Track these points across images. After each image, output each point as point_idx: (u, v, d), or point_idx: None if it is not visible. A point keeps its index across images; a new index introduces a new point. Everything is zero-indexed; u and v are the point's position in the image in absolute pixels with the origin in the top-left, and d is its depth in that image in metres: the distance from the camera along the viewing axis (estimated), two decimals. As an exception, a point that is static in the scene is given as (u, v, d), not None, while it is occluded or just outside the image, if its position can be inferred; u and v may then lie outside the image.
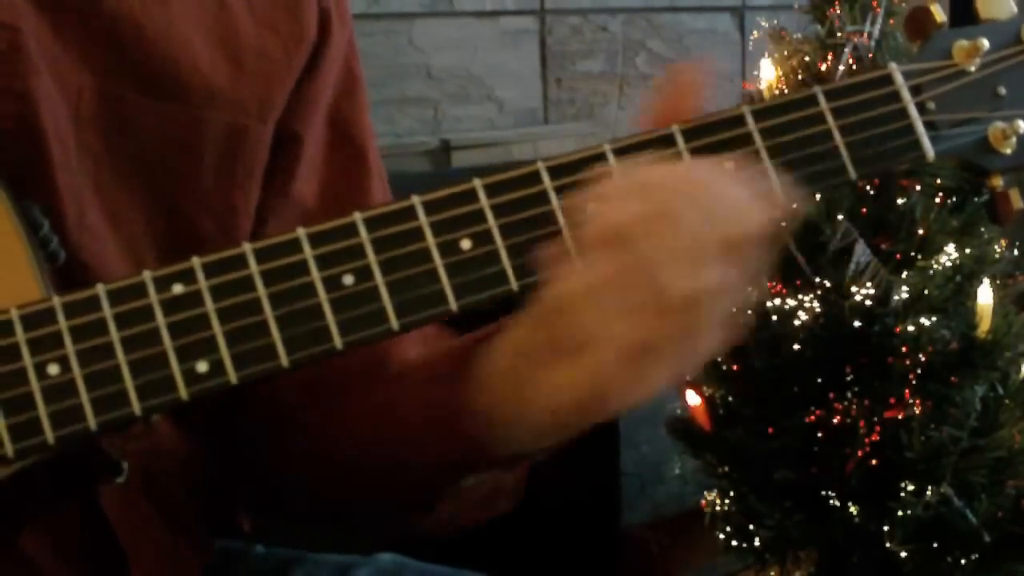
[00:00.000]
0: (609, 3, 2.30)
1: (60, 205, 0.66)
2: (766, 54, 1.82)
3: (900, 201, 1.71)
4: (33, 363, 0.54)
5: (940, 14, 0.67)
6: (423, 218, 0.59)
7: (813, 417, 1.74)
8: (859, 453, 1.70)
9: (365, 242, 0.57)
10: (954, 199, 1.73)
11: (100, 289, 0.56)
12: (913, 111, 0.64)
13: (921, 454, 1.66)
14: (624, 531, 2.28)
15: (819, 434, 1.74)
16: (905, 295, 1.67)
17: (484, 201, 0.59)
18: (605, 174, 0.59)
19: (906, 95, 0.64)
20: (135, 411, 0.55)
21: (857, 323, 1.68)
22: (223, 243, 0.58)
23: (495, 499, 0.76)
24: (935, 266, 1.70)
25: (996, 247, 1.77)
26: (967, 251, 1.73)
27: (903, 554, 1.67)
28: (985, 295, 1.71)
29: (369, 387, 0.75)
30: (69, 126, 0.67)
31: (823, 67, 1.73)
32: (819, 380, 1.74)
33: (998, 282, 1.76)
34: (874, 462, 1.70)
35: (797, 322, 1.73)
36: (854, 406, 1.71)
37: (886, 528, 1.68)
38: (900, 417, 1.68)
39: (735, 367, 1.81)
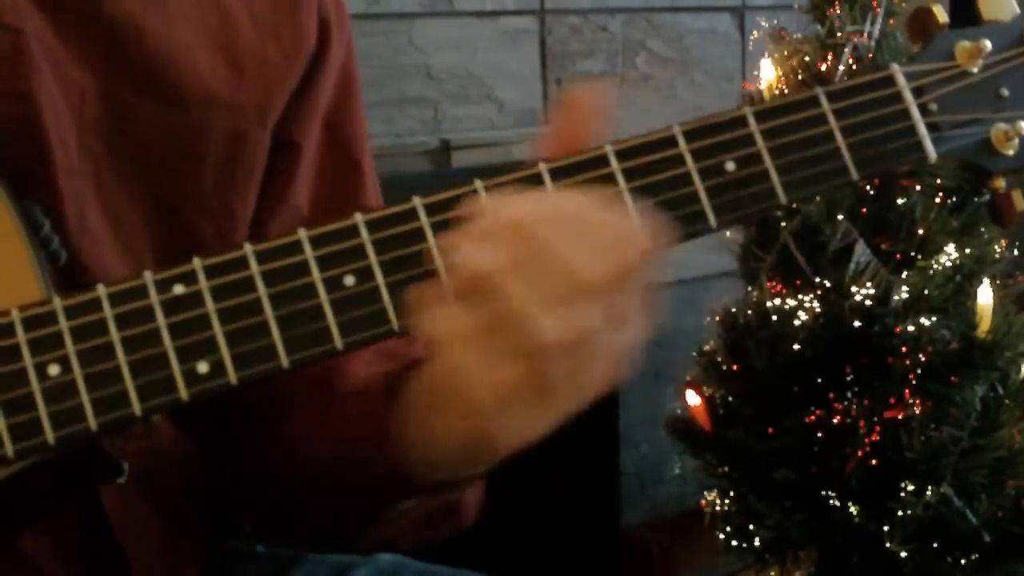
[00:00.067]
0: (609, 3, 2.30)
1: (61, 207, 0.66)
2: (766, 54, 1.82)
3: (900, 201, 1.71)
4: (34, 364, 0.54)
5: (942, 15, 0.67)
6: (424, 219, 0.59)
7: (813, 417, 1.74)
8: (859, 453, 1.70)
9: (366, 243, 0.57)
10: (954, 199, 1.73)
11: (101, 290, 0.56)
12: (915, 112, 0.64)
13: (921, 454, 1.66)
14: (624, 531, 2.28)
15: (819, 434, 1.74)
16: (905, 295, 1.67)
17: (483, 192, 0.59)
18: (476, 212, 0.57)
19: (908, 96, 0.64)
20: (135, 412, 0.55)
21: (857, 323, 1.68)
22: (221, 247, 0.58)
23: (440, 522, 0.76)
24: (935, 266, 1.70)
25: (996, 247, 1.77)
26: (967, 251, 1.73)
27: (903, 554, 1.67)
28: (985, 295, 1.71)
29: (314, 406, 0.76)
30: (71, 128, 0.67)
31: (823, 67, 1.73)
32: (819, 380, 1.74)
33: (998, 282, 1.76)
34: (874, 462, 1.70)
35: (797, 322, 1.73)
36: (854, 406, 1.71)
37: (886, 528, 1.68)
38: (900, 417, 1.68)
39: (735, 367, 1.81)
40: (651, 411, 2.34)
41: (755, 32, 1.92)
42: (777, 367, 1.76)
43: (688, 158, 0.61)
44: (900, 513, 1.67)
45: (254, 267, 0.57)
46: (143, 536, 0.73)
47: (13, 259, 0.59)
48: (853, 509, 1.71)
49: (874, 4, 1.71)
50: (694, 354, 1.90)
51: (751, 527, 1.80)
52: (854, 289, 1.67)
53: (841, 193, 1.68)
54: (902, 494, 1.67)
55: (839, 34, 1.71)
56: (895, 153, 0.63)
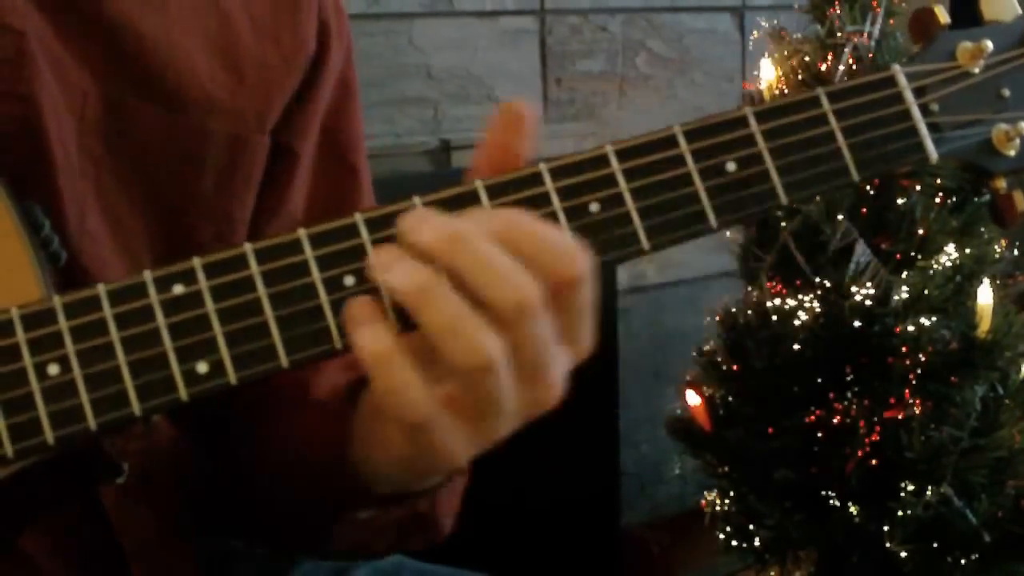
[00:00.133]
0: (609, 3, 2.30)
1: (61, 208, 0.66)
2: (766, 54, 1.82)
3: (900, 201, 1.71)
4: (33, 363, 0.54)
5: (944, 15, 0.67)
6: None
7: (813, 417, 1.74)
8: (859, 453, 1.70)
9: (366, 243, 0.57)
10: (954, 199, 1.73)
11: (100, 289, 0.55)
12: (916, 113, 0.64)
13: (921, 454, 1.66)
14: (624, 531, 2.28)
15: (819, 434, 1.74)
16: (905, 295, 1.67)
17: (486, 202, 0.58)
18: (409, 225, 0.56)
19: (909, 97, 0.64)
20: (135, 412, 0.55)
21: (857, 323, 1.68)
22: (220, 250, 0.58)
23: (413, 533, 0.76)
24: (935, 266, 1.70)
25: (996, 247, 1.77)
26: (967, 251, 1.73)
27: (903, 554, 1.68)
28: (985, 295, 1.71)
29: (284, 410, 0.76)
30: (72, 131, 0.67)
31: (823, 67, 1.73)
32: (819, 380, 1.74)
33: (998, 282, 1.76)
34: (874, 462, 1.70)
35: (797, 322, 1.73)
36: (854, 406, 1.71)
37: (886, 528, 1.68)
38: (900, 417, 1.68)
39: (735, 367, 1.81)
40: (651, 411, 2.34)
41: (755, 32, 1.92)
42: (777, 367, 1.76)
43: (688, 158, 0.61)
44: (900, 513, 1.67)
45: (253, 266, 0.56)
46: (143, 536, 0.73)
47: (13, 259, 0.59)
48: (853, 509, 1.71)
49: (874, 4, 1.71)
50: (694, 354, 1.90)
51: (751, 527, 1.80)
52: (854, 289, 1.67)
53: (841, 193, 1.68)
54: (902, 494, 1.67)
55: (839, 34, 1.71)
56: (896, 154, 0.63)
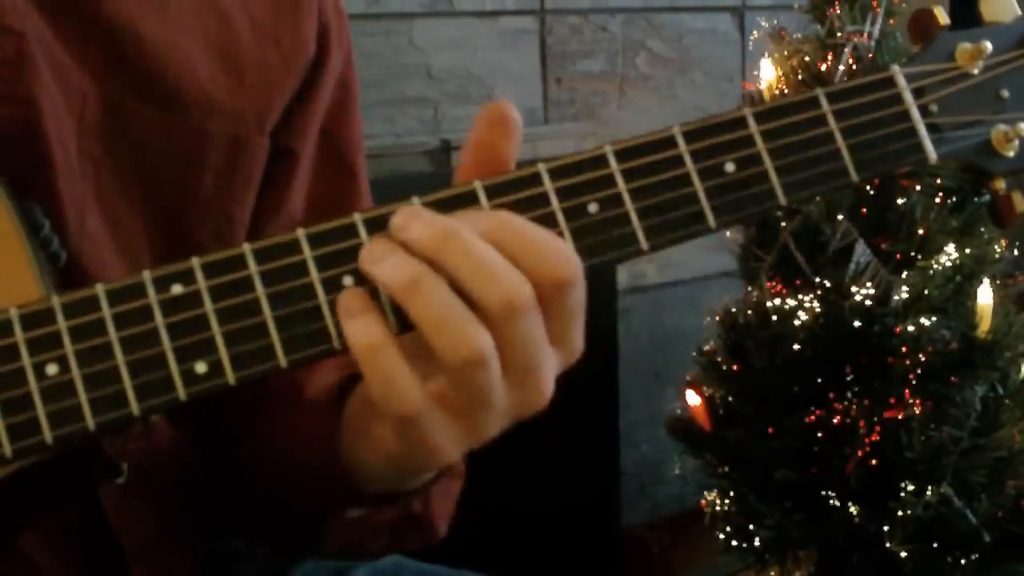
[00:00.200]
0: (609, 3, 2.30)
1: (61, 209, 0.66)
2: (766, 54, 1.82)
3: (900, 201, 1.71)
4: (32, 363, 0.54)
5: (943, 16, 0.67)
6: None
7: (813, 417, 1.74)
8: (859, 453, 1.70)
9: (364, 243, 0.57)
10: (954, 199, 1.73)
11: (99, 289, 0.55)
12: (915, 113, 0.64)
13: (921, 454, 1.66)
14: (624, 531, 2.28)
15: (819, 434, 1.74)
16: (905, 295, 1.67)
17: (484, 202, 0.58)
18: (406, 219, 0.56)
19: (908, 97, 0.64)
20: (133, 411, 0.55)
21: (857, 323, 1.68)
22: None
23: (407, 534, 0.77)
24: (935, 266, 1.70)
25: (996, 247, 1.77)
26: (967, 251, 1.73)
27: (903, 554, 1.68)
28: (985, 295, 1.71)
29: (277, 409, 0.77)
30: (72, 132, 0.67)
31: (823, 67, 1.73)
32: (819, 380, 1.74)
33: (998, 282, 1.76)
34: (874, 462, 1.70)
35: (797, 322, 1.73)
36: (854, 406, 1.71)
37: (886, 528, 1.68)
38: (900, 417, 1.68)
39: (735, 367, 1.81)
40: (651, 411, 2.34)
41: (755, 32, 1.92)
42: (777, 367, 1.76)
43: (687, 159, 0.60)
44: (900, 513, 1.67)
45: (252, 266, 0.57)
46: (143, 536, 0.73)
47: (12, 259, 0.59)
48: (853, 509, 1.71)
49: (874, 4, 1.71)
50: (694, 354, 1.90)
51: (751, 527, 1.80)
52: (854, 289, 1.67)
53: (841, 193, 1.68)
54: (902, 494, 1.67)
55: (839, 34, 1.71)
56: (895, 154, 0.63)
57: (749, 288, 1.84)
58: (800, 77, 1.75)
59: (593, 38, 2.29)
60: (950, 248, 1.72)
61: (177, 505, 0.78)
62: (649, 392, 2.39)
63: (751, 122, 0.61)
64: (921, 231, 1.70)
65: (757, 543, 1.80)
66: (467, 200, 0.58)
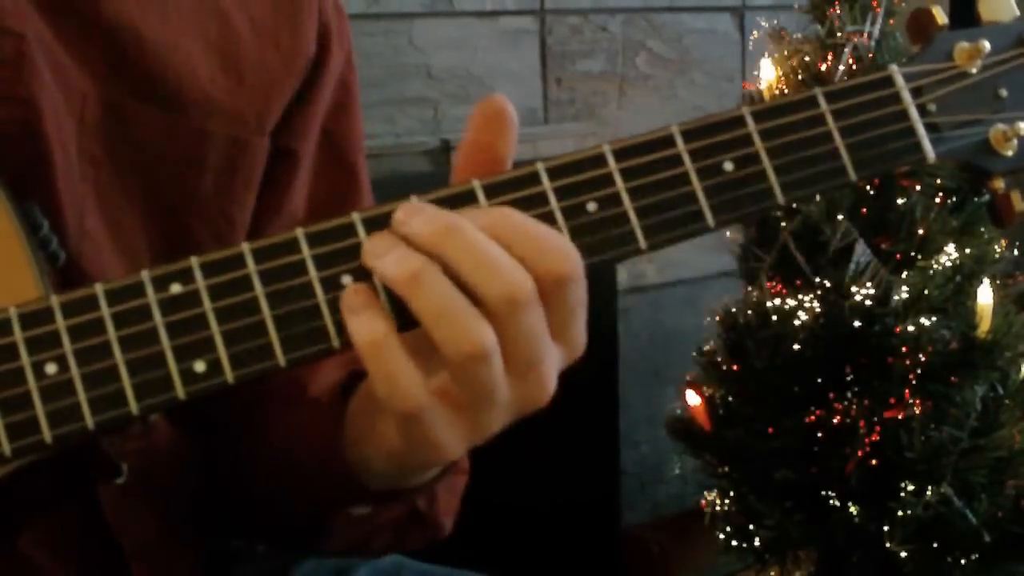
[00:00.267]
0: (609, 3, 2.30)
1: (60, 209, 0.66)
2: (766, 54, 1.82)
3: (900, 201, 1.71)
4: (31, 362, 0.54)
5: (941, 16, 0.67)
6: None
7: (813, 417, 1.74)
8: (859, 453, 1.70)
9: (363, 242, 0.57)
10: (954, 199, 1.74)
11: (98, 288, 0.55)
12: (914, 113, 0.64)
13: (921, 454, 1.66)
14: (624, 531, 2.28)
15: (819, 434, 1.74)
16: (905, 295, 1.67)
17: (483, 201, 0.59)
18: (401, 220, 0.56)
19: (907, 97, 0.64)
20: (132, 410, 0.55)
21: (857, 323, 1.68)
22: None
23: (411, 532, 0.77)
24: (935, 266, 1.70)
25: (996, 247, 1.77)
26: (967, 251, 1.73)
27: (903, 554, 1.68)
28: (985, 295, 1.71)
29: (281, 407, 0.77)
30: (72, 132, 0.67)
31: (823, 67, 1.73)
32: (819, 380, 1.74)
33: (998, 282, 1.76)
34: (874, 462, 1.70)
35: (797, 322, 1.73)
36: (854, 406, 1.71)
37: (886, 528, 1.68)
38: (900, 417, 1.68)
39: (735, 367, 1.81)
40: (651, 411, 2.34)
41: (755, 32, 1.92)
42: (777, 367, 1.76)
43: (686, 158, 0.61)
44: (900, 513, 1.67)
45: (251, 265, 0.57)
46: (142, 537, 0.73)
47: (11, 259, 0.59)
48: (853, 509, 1.71)
49: (874, 4, 1.71)
50: (694, 354, 1.90)
51: (751, 527, 1.80)
52: (854, 289, 1.67)
53: (841, 193, 1.68)
54: (902, 494, 1.67)
55: (839, 34, 1.71)
56: (894, 154, 0.63)
57: (749, 288, 1.84)
58: (800, 77, 1.75)
59: (593, 38, 2.29)
60: (950, 248, 1.72)
61: (177, 505, 0.78)
62: (649, 392, 2.39)
63: (749, 121, 0.61)
64: (921, 231, 1.70)
65: (757, 543, 1.80)
66: (465, 199, 0.58)
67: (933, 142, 0.64)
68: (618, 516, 2.24)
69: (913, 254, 1.70)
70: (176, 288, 0.56)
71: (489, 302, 0.54)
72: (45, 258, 0.61)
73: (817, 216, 1.69)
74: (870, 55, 1.70)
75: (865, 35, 1.69)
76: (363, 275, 0.57)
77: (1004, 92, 0.66)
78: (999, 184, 0.67)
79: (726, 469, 1.84)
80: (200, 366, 0.56)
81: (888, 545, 1.68)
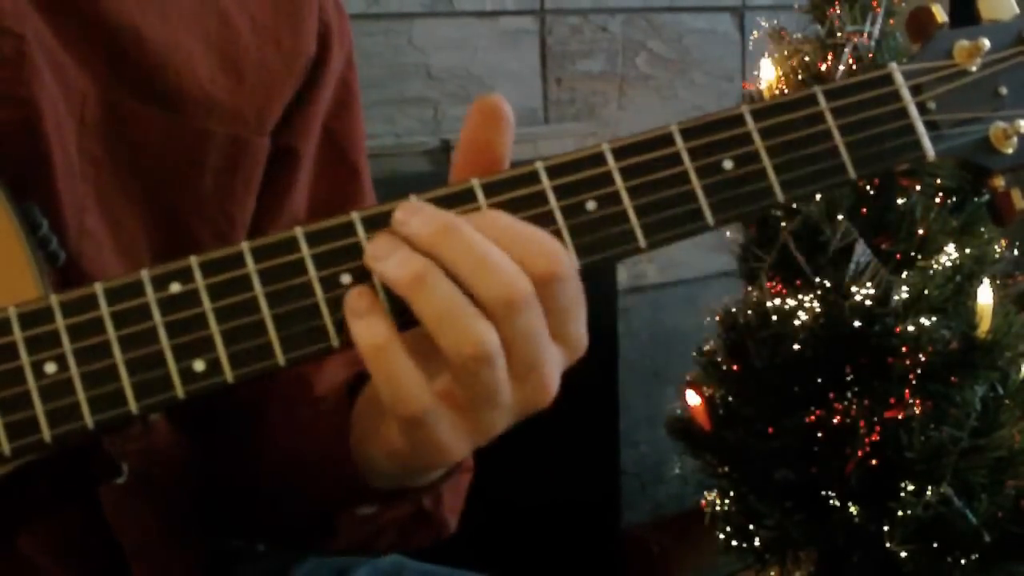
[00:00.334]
0: (609, 3, 2.30)
1: (60, 209, 0.66)
2: (766, 54, 1.82)
3: (900, 201, 1.71)
4: (30, 361, 0.54)
5: (941, 14, 0.67)
6: None
7: (813, 417, 1.74)
8: (859, 453, 1.70)
9: (362, 241, 0.57)
10: (954, 199, 1.74)
11: (97, 287, 0.55)
12: (913, 111, 0.64)
13: (921, 454, 1.66)
14: (624, 531, 2.28)
15: (819, 434, 1.74)
16: (905, 295, 1.67)
17: (482, 200, 0.58)
18: (400, 220, 0.57)
19: (906, 94, 0.64)
20: (132, 410, 0.55)
21: (857, 323, 1.68)
22: None
23: (416, 531, 0.77)
24: (935, 266, 1.70)
25: (996, 247, 1.77)
26: (967, 251, 1.73)
27: (903, 554, 1.67)
28: (985, 295, 1.71)
29: (289, 405, 0.77)
30: (72, 132, 0.67)
31: (823, 67, 1.73)
32: (819, 380, 1.74)
33: (998, 282, 1.76)
34: (874, 462, 1.70)
35: (797, 322, 1.73)
36: (854, 406, 1.71)
37: (886, 528, 1.68)
38: (900, 417, 1.68)
39: (735, 367, 1.81)
40: (651, 411, 2.34)
41: (755, 32, 1.92)
42: (777, 367, 1.76)
43: (685, 156, 0.60)
44: (900, 513, 1.67)
45: (250, 264, 0.57)
46: (143, 537, 0.73)
47: (11, 259, 0.59)
48: (853, 509, 1.71)
49: (874, 4, 1.71)
50: (694, 354, 1.90)
51: (751, 527, 1.80)
52: (854, 289, 1.67)
53: (841, 193, 1.68)
54: (902, 494, 1.67)
55: (839, 34, 1.71)
56: (893, 151, 0.63)
57: (749, 288, 1.84)
58: (800, 77, 1.75)
59: (593, 38, 2.29)
60: (950, 248, 1.72)
61: (177, 505, 0.78)
62: (649, 392, 2.39)
63: (749, 119, 0.61)
64: (921, 231, 1.70)
65: (757, 543, 1.80)
66: (465, 198, 0.58)
67: (933, 140, 0.64)
68: (618, 516, 2.24)
69: (913, 254, 1.70)
70: (175, 287, 0.56)
71: (487, 303, 0.54)
72: (45, 258, 0.61)
73: (817, 216, 1.69)
74: (870, 55, 1.70)
75: (865, 35, 1.69)
76: (362, 274, 0.57)
77: (1004, 90, 0.66)
78: (999, 182, 0.67)
79: (726, 469, 1.84)
80: (199, 365, 0.56)
81: (888, 545, 1.68)
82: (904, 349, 1.67)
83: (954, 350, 1.68)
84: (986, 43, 0.65)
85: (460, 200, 0.58)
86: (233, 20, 0.75)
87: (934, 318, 1.68)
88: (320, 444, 0.70)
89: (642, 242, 0.60)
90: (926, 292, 1.67)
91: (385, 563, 0.89)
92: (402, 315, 0.56)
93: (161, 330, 0.55)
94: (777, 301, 1.75)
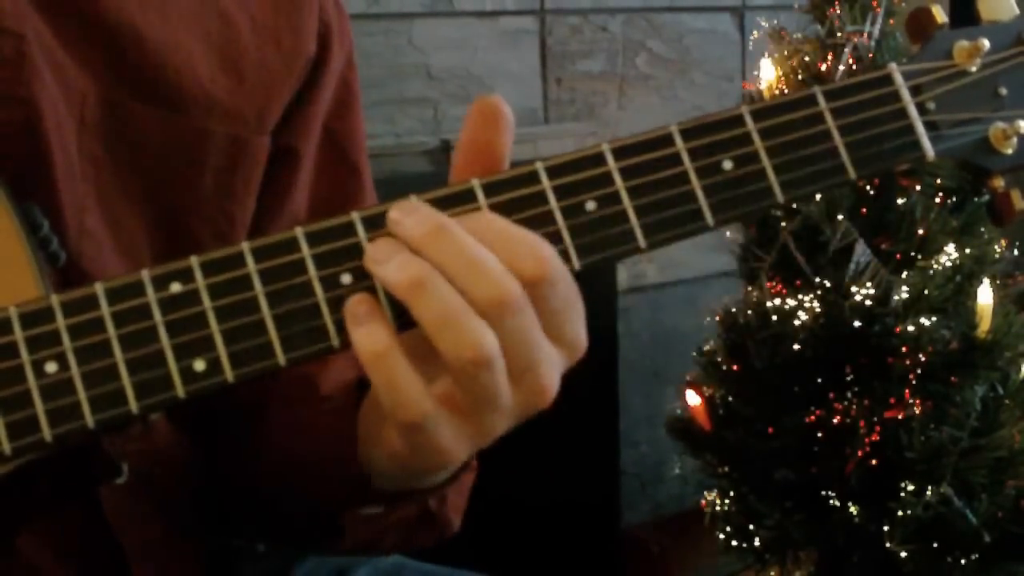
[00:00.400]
0: (609, 3, 2.30)
1: (61, 209, 0.66)
2: (766, 54, 1.82)
3: (900, 201, 1.71)
4: (31, 361, 0.54)
5: (941, 15, 0.67)
6: None
7: (813, 417, 1.74)
8: (859, 453, 1.70)
9: (363, 241, 0.57)
10: (954, 199, 1.73)
11: (98, 287, 0.56)
12: (913, 111, 0.64)
13: (921, 454, 1.66)
14: (624, 531, 2.28)
15: (819, 434, 1.74)
16: (905, 295, 1.67)
17: (482, 200, 0.59)
18: (395, 220, 0.57)
19: (906, 95, 0.64)
20: (132, 409, 0.55)
21: (857, 323, 1.68)
22: None
23: (420, 531, 0.77)
24: (935, 266, 1.70)
25: (996, 247, 1.77)
26: (967, 251, 1.73)
27: (903, 554, 1.67)
28: (985, 295, 1.71)
29: (293, 405, 0.77)
30: (72, 132, 0.67)
31: (823, 67, 1.73)
32: (819, 380, 1.74)
33: (998, 282, 1.76)
34: (874, 462, 1.70)
35: (797, 322, 1.73)
36: (854, 406, 1.71)
37: (886, 528, 1.68)
38: (900, 417, 1.68)
39: (735, 367, 1.81)
40: (651, 411, 2.34)
41: (755, 32, 1.92)
42: (777, 367, 1.76)
43: (685, 156, 0.61)
44: (900, 513, 1.67)
45: (250, 264, 0.57)
46: (143, 537, 0.73)
47: (11, 259, 0.59)
48: (853, 509, 1.71)
49: (874, 4, 1.71)
50: (694, 354, 1.90)
51: (751, 527, 1.80)
52: (854, 289, 1.67)
53: (841, 193, 1.68)
54: (902, 494, 1.67)
55: (839, 34, 1.71)
56: (893, 152, 0.63)
57: (749, 288, 1.84)
58: (800, 77, 1.75)
59: (593, 38, 2.29)
60: (950, 248, 1.72)
61: (178, 505, 0.78)
62: (649, 392, 2.39)
63: (748, 120, 0.61)
64: (921, 231, 1.70)
65: (757, 543, 1.80)
66: (465, 198, 0.58)
67: (932, 140, 0.64)
68: (618, 516, 2.24)
69: (913, 254, 1.70)
70: (176, 287, 0.56)
71: (479, 305, 0.55)
72: (45, 258, 0.61)
73: (817, 216, 1.69)
74: (870, 55, 1.70)
75: (865, 35, 1.69)
76: (363, 274, 0.57)
77: (1003, 90, 0.66)
78: (998, 182, 0.67)
79: (726, 469, 1.84)
80: (200, 365, 0.56)
81: (888, 545, 1.68)
82: (904, 349, 1.67)
83: (954, 350, 1.68)
84: (986, 43, 0.65)
85: (460, 200, 0.58)
86: (233, 20, 0.75)
87: (934, 318, 1.68)
88: (321, 444, 0.70)
89: (642, 242, 0.60)
90: (926, 292, 1.67)
91: (385, 563, 0.89)
92: (402, 316, 0.56)
93: (161, 330, 0.55)
94: (777, 301, 1.75)
